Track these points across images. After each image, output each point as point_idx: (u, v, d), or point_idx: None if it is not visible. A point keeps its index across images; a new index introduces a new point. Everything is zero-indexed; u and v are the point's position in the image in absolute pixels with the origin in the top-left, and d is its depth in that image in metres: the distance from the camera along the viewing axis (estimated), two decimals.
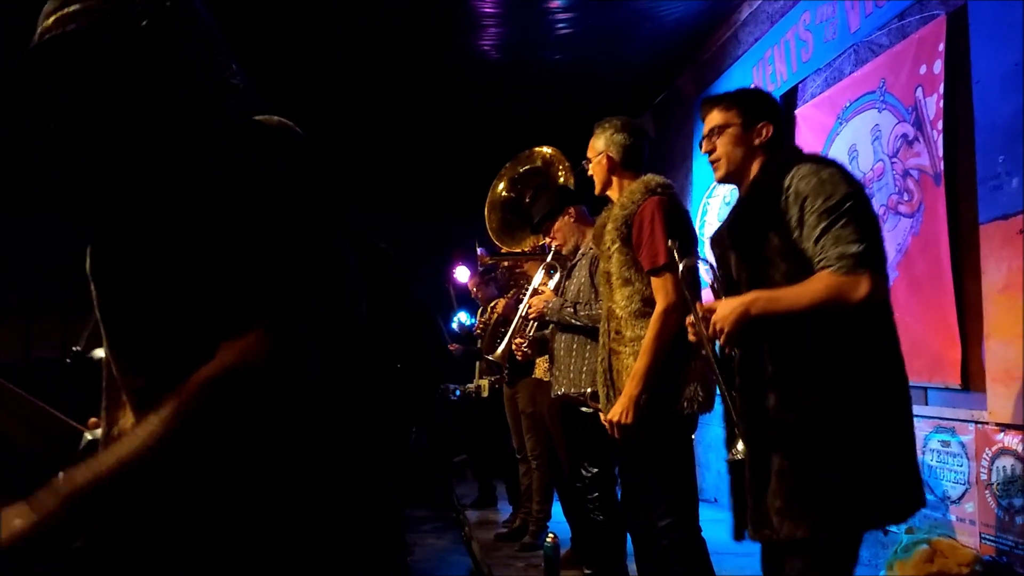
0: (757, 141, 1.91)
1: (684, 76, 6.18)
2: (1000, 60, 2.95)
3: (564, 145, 4.22)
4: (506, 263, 4.24)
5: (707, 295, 2.12)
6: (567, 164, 4.06)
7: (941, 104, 3.24)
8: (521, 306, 3.37)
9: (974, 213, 3.04)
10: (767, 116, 1.93)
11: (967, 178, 3.11)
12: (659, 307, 2.31)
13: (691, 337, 1.90)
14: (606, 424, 2.44)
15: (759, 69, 4.94)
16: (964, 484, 3.04)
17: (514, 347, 3.43)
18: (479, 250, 4.71)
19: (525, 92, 6.38)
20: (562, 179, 4.02)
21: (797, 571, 1.68)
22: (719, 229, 1.98)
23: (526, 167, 4.21)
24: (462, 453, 6.48)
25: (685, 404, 2.31)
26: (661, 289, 2.31)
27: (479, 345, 4.82)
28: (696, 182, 5.88)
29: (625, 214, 2.41)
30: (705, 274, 2.06)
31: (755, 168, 1.92)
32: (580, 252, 3.14)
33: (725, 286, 1.90)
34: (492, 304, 4.74)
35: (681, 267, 2.02)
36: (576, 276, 3.08)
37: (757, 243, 1.78)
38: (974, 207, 3.04)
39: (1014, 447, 2.81)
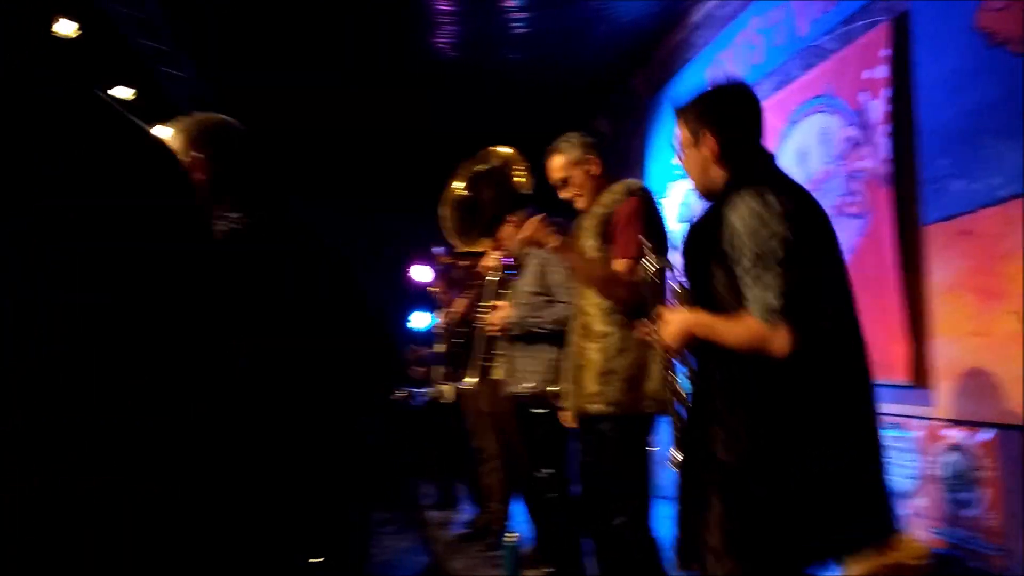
0: (706, 153, 1.78)
1: (638, 77, 6.24)
2: (942, 65, 3.05)
3: (519, 143, 4.21)
4: (463, 263, 4.23)
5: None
6: (525, 165, 4.06)
7: (886, 108, 3.34)
8: (481, 325, 3.39)
9: (919, 215, 3.14)
10: (707, 123, 1.78)
11: (912, 180, 3.21)
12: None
13: (645, 338, 1.89)
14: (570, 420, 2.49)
15: (711, 72, 5.02)
16: (914, 479, 3.14)
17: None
18: (436, 249, 4.70)
19: (480, 90, 6.38)
20: (520, 180, 4.02)
21: None
22: (684, 240, 1.90)
23: (483, 167, 4.20)
24: (422, 455, 6.46)
25: (646, 404, 2.34)
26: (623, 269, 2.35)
27: (438, 346, 4.81)
28: (653, 182, 5.95)
29: (605, 213, 2.43)
30: (671, 280, 2.05)
31: (721, 179, 1.78)
32: (528, 252, 3.15)
33: (690, 294, 1.82)
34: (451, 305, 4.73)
35: (648, 265, 1.95)
36: (524, 275, 3.10)
37: (705, 274, 1.71)
38: (919, 209, 3.15)
39: (961, 442, 2.92)
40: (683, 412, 1.79)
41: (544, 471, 2.99)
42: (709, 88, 1.91)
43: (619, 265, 2.34)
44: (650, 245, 2.03)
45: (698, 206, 1.95)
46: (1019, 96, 2.67)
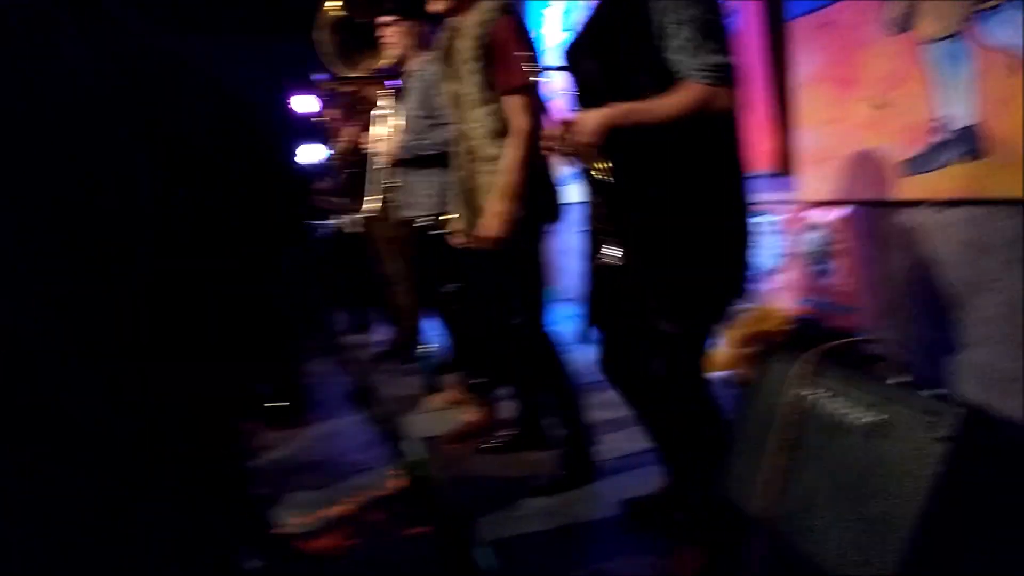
0: None
1: None
2: None
3: None
4: (346, 88, 4.12)
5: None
6: None
7: None
8: (369, 157, 3.40)
9: (783, 9, 3.27)
10: None
11: None
12: (521, 127, 2.34)
13: (547, 151, 1.93)
14: (463, 240, 2.58)
15: None
16: (780, 258, 3.50)
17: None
18: (317, 76, 4.53)
19: None
20: None
21: (664, 357, 1.88)
22: (577, 38, 1.95)
23: None
24: (332, 284, 6.57)
25: (534, 213, 2.47)
26: (521, 109, 2.35)
27: (332, 177, 4.78)
28: None
29: (481, 33, 2.39)
30: (560, 85, 2.10)
31: None
32: (411, 75, 3.11)
33: (583, 98, 1.90)
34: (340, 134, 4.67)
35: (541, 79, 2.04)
36: (409, 100, 3.08)
37: (622, 52, 1.77)
38: (783, 3, 3.27)
39: (821, 220, 3.25)
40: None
41: (449, 286, 3.16)
42: None
43: (516, 100, 2.35)
44: (534, 65, 2.08)
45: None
46: None
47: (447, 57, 2.53)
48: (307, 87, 5.59)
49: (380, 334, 5.26)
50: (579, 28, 1.97)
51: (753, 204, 1.92)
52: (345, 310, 6.11)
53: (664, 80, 1.72)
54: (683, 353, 1.87)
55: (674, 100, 1.71)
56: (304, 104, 7.67)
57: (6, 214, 0.86)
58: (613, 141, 1.78)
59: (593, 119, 1.77)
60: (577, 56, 1.94)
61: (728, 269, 1.83)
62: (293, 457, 3.41)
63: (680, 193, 1.78)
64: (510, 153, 2.37)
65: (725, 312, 1.91)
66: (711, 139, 1.77)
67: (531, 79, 2.22)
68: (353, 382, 4.75)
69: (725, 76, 1.69)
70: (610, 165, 1.82)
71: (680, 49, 1.69)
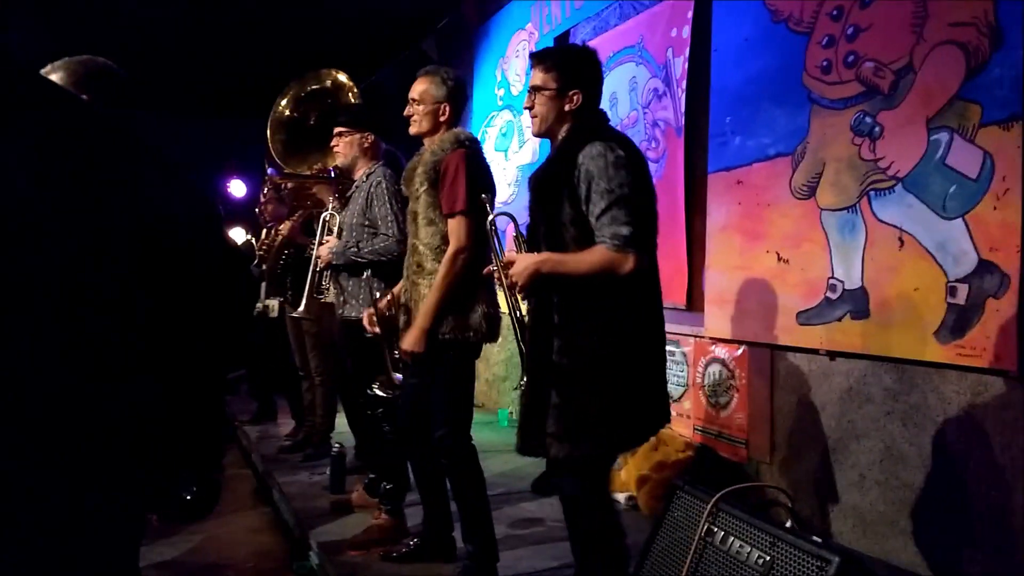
0: (568, 107, 2.06)
1: (467, 3, 6.33)
2: (734, 33, 3.48)
3: (344, 66, 4.25)
4: (292, 184, 4.23)
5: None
6: (356, 92, 4.11)
7: (686, 66, 3.75)
8: (312, 261, 3.52)
9: (705, 163, 3.62)
10: (580, 84, 2.06)
11: (701, 133, 3.67)
12: (451, 248, 2.51)
13: (496, 282, 2.11)
14: (398, 350, 2.66)
15: (537, 8, 5.24)
16: (683, 386, 3.71)
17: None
18: (269, 171, 4.63)
19: (310, 10, 6.16)
20: (350, 103, 4.07)
21: (568, 482, 2.05)
22: (533, 174, 2.17)
23: (313, 87, 4.20)
24: (239, 369, 6.42)
25: (471, 334, 2.58)
26: (455, 231, 2.51)
27: (263, 265, 4.81)
28: (476, 110, 6.14)
29: (435, 160, 2.57)
30: (507, 224, 2.30)
31: (564, 131, 2.08)
32: (355, 185, 3.25)
33: (528, 235, 2.12)
34: (276, 224, 4.75)
35: (490, 219, 2.25)
36: (351, 208, 3.21)
37: (554, 206, 1.99)
38: (705, 158, 3.62)
39: (722, 356, 3.50)
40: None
41: (373, 389, 3.18)
42: (578, 49, 2.20)
43: (453, 223, 2.52)
44: (488, 199, 2.28)
45: (528, 140, 2.21)
46: (793, 69, 3.13)
47: (408, 180, 2.70)
48: (247, 170, 5.67)
49: (286, 426, 5.17)
50: (534, 171, 2.18)
51: (661, 350, 2.10)
52: (252, 398, 5.99)
53: (588, 239, 1.95)
54: (587, 475, 2.01)
55: (587, 258, 1.93)
56: (238, 189, 7.72)
57: None
58: (544, 285, 1.99)
59: (523, 264, 1.98)
60: (530, 195, 2.15)
61: (625, 410, 1.98)
62: (185, 555, 3.28)
63: (588, 339, 1.95)
64: (440, 271, 2.53)
65: (631, 439, 2.07)
66: (623, 293, 1.96)
67: (473, 206, 2.40)
68: (255, 475, 4.60)
69: (631, 243, 1.89)
70: (538, 306, 2.02)
71: (598, 215, 1.92)
